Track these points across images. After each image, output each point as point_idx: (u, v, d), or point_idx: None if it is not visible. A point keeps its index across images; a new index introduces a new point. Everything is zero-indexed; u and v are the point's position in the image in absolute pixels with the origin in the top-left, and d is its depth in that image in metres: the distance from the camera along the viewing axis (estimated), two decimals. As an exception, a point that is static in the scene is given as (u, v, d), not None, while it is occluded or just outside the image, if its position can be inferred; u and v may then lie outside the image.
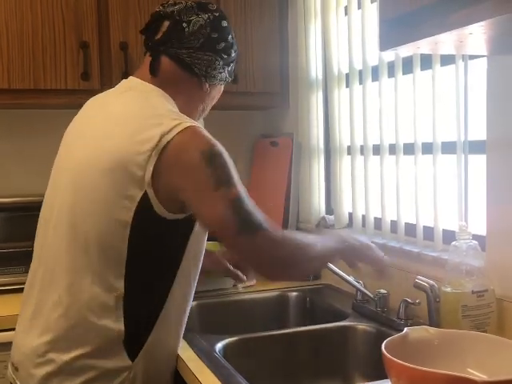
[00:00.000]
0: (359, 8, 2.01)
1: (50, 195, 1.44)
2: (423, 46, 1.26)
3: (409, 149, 1.79)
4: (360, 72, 2.01)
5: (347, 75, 2.10)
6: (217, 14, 1.45)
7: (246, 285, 2.08)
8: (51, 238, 1.37)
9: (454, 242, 1.46)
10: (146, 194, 1.27)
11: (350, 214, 2.12)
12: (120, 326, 1.31)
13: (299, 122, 2.38)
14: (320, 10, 2.24)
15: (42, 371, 1.31)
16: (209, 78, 1.46)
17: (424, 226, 1.75)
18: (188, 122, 1.32)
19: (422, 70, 1.73)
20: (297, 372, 1.63)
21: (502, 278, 1.44)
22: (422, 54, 1.71)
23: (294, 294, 2.02)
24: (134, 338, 1.34)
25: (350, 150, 2.08)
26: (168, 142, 1.27)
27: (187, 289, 1.43)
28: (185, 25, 1.40)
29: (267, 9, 2.41)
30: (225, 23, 1.46)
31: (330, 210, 2.31)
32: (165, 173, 1.27)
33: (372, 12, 1.93)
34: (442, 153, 1.68)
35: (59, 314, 1.32)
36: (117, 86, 1.48)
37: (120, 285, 1.31)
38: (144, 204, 1.28)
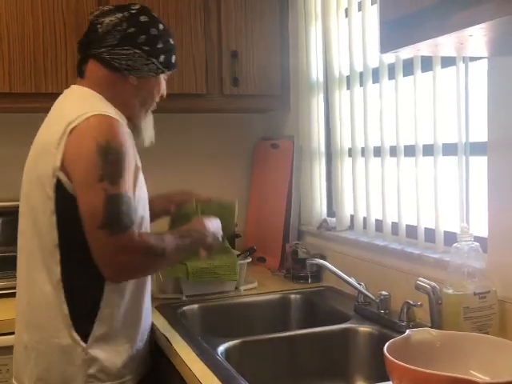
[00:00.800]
0: (359, 10, 2.01)
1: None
2: (424, 48, 1.26)
3: (410, 151, 1.79)
4: (361, 74, 2.01)
5: (348, 77, 2.10)
6: (134, 12, 1.55)
7: (248, 287, 2.08)
8: (19, 245, 1.55)
9: (455, 244, 1.46)
10: (59, 180, 1.39)
11: (352, 217, 2.12)
12: (65, 311, 1.43)
13: (300, 125, 2.38)
14: (320, 12, 2.25)
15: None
16: (132, 71, 1.54)
17: (425, 228, 1.75)
18: (99, 112, 1.43)
19: (422, 71, 1.73)
20: (299, 375, 1.63)
21: (503, 280, 1.44)
22: (422, 56, 1.71)
23: (296, 296, 2.02)
24: (82, 323, 1.44)
25: (350, 152, 2.08)
26: (72, 129, 1.39)
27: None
28: (99, 26, 1.52)
29: (267, 11, 2.42)
30: (144, 18, 1.55)
31: (331, 212, 2.31)
32: (67, 155, 1.39)
33: (372, 14, 1.93)
34: (443, 154, 1.68)
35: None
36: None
37: (57, 270, 1.42)
38: (60, 189, 1.39)
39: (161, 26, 1.58)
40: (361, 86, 2.02)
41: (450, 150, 1.66)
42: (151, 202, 1.62)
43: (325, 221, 2.26)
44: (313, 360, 1.64)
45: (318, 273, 2.19)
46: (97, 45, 1.53)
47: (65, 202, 1.40)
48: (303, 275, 2.19)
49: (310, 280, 2.17)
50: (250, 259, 2.16)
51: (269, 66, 2.43)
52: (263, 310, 2.00)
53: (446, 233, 1.69)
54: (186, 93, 2.33)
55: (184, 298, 1.97)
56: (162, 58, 1.57)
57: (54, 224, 1.42)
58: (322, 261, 1.84)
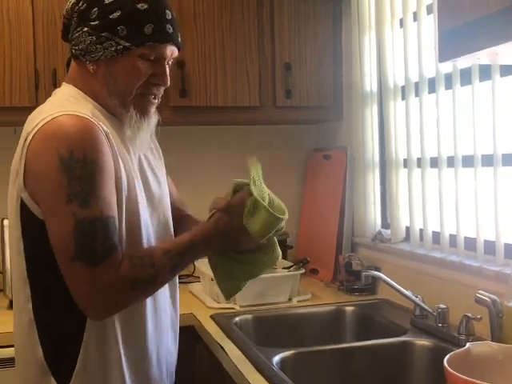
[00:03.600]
0: (415, 20, 1.99)
1: None
2: (483, 57, 1.24)
3: (468, 161, 1.76)
4: (416, 84, 2.00)
5: (403, 88, 2.08)
6: None
7: (301, 299, 2.08)
8: None
9: (517, 256, 1.42)
10: (22, 201, 1.18)
11: (407, 228, 2.10)
12: (38, 352, 1.20)
13: (353, 135, 2.37)
14: (374, 22, 2.24)
15: None
16: (86, 55, 1.25)
17: (485, 240, 1.71)
18: (63, 113, 1.17)
19: (480, 80, 1.70)
20: (354, 387, 1.61)
21: None
22: (480, 65, 1.68)
23: (351, 308, 2.00)
24: (59, 364, 1.21)
25: (406, 163, 2.06)
26: (30, 141, 1.16)
27: None
28: (64, 12, 1.29)
29: (321, 22, 2.43)
30: None
31: (385, 223, 2.29)
32: (28, 173, 1.16)
33: (428, 24, 1.91)
34: (503, 165, 1.64)
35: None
36: None
37: (29, 305, 1.20)
38: (24, 211, 1.18)
39: None
40: (416, 96, 2.00)
41: (510, 160, 1.63)
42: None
43: (379, 232, 2.24)
44: (368, 373, 1.62)
45: (373, 285, 2.16)
46: (65, 36, 1.31)
47: (31, 226, 1.18)
48: (357, 287, 2.17)
49: (364, 292, 2.15)
50: (303, 270, 2.16)
51: (322, 77, 2.44)
52: (317, 321, 1.99)
53: (506, 245, 1.64)
54: (239, 106, 2.36)
55: (238, 308, 1.98)
56: (122, 30, 1.21)
57: (21, 251, 1.20)
58: (378, 273, 1.82)
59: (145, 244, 1.28)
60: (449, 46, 1.20)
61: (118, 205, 1.19)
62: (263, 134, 2.74)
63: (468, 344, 1.18)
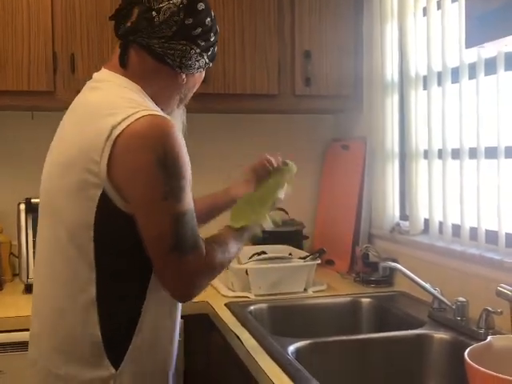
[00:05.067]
0: (439, 8, 1.95)
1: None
2: (511, 43, 1.21)
3: (491, 152, 1.72)
4: (439, 74, 1.96)
5: (425, 77, 2.05)
6: None
7: (316, 289, 2.06)
8: (38, 245, 1.36)
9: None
10: (104, 192, 1.20)
11: (426, 220, 2.07)
12: (96, 331, 1.24)
13: (373, 126, 2.34)
14: (397, 11, 2.20)
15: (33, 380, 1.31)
16: (185, 68, 1.33)
17: (506, 233, 1.67)
18: (146, 111, 1.21)
19: (505, 70, 1.66)
20: (370, 379, 1.59)
21: None
22: (506, 53, 1.64)
23: (367, 300, 1.98)
24: (115, 344, 1.25)
25: (426, 154, 2.03)
26: (118, 136, 1.18)
27: None
28: (154, 13, 1.26)
29: (342, 10, 2.40)
30: (201, 6, 1.30)
31: (404, 215, 2.26)
32: (117, 168, 1.19)
33: (453, 12, 1.87)
34: (528, 156, 1.61)
35: (44, 324, 1.30)
36: (89, 81, 1.37)
37: (91, 287, 1.24)
38: (103, 201, 1.21)
39: (212, 14, 1.35)
40: (439, 85, 1.97)
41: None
42: (214, 197, 1.62)
43: (397, 224, 2.21)
44: (384, 365, 1.60)
45: (390, 277, 2.14)
46: (148, 34, 1.28)
47: (107, 215, 1.22)
48: (374, 279, 2.15)
49: (381, 284, 2.12)
50: (319, 261, 2.14)
51: (342, 65, 2.40)
52: (332, 312, 1.97)
53: (528, 238, 1.61)
54: (258, 93, 2.34)
55: (253, 297, 1.97)
56: (211, 51, 1.37)
57: (88, 238, 1.23)
58: (396, 264, 1.80)
59: None
60: (476, 32, 1.17)
61: None
62: (281, 123, 2.72)
63: (489, 337, 1.16)
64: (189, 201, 1.23)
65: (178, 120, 1.42)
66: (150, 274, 1.26)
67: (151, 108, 1.25)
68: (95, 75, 1.35)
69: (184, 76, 1.35)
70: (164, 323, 1.32)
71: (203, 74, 1.42)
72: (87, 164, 1.20)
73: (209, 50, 1.36)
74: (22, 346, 1.81)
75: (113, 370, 1.24)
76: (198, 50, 1.32)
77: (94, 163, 1.19)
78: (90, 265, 1.24)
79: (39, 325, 1.33)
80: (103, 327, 1.24)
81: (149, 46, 1.29)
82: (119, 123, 1.18)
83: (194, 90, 1.43)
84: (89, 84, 1.35)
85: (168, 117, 1.26)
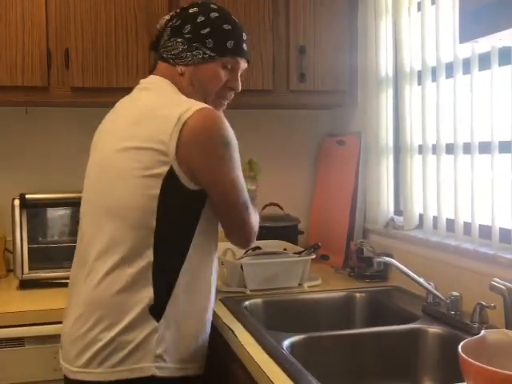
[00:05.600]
0: (433, 4, 1.95)
1: (85, 191, 1.58)
2: (505, 38, 1.22)
3: (485, 147, 1.73)
4: (433, 69, 1.96)
5: (419, 72, 2.05)
6: (185, 6, 1.58)
7: (311, 284, 2.07)
8: (88, 225, 1.52)
9: (533, 244, 1.40)
10: (171, 169, 1.40)
11: (421, 215, 2.07)
12: (150, 293, 1.42)
13: (368, 121, 2.34)
14: (391, 6, 2.20)
15: (85, 351, 1.42)
16: (177, 60, 1.54)
17: (500, 228, 1.68)
18: (203, 105, 1.45)
19: (500, 65, 1.66)
20: (364, 373, 1.60)
21: None
22: (499, 49, 1.64)
23: (361, 294, 1.98)
24: (159, 303, 1.44)
25: (421, 149, 2.03)
26: (187, 120, 1.40)
27: (209, 246, 1.54)
28: (158, 27, 1.60)
29: (336, 5, 2.40)
30: (193, 9, 1.56)
31: (398, 210, 2.26)
32: (185, 148, 1.40)
33: (447, 7, 1.87)
34: (521, 151, 1.61)
35: (95, 291, 1.44)
36: (138, 86, 1.60)
37: (150, 253, 1.42)
38: (170, 177, 1.41)
39: (213, 14, 1.55)
40: (433, 81, 1.97)
41: (528, 146, 1.60)
42: None
43: (392, 219, 2.22)
44: (379, 359, 1.60)
45: (384, 272, 2.15)
46: (158, 45, 1.60)
47: (172, 190, 1.42)
48: (368, 274, 2.15)
49: (375, 279, 2.13)
50: (314, 256, 2.14)
51: (337, 61, 2.41)
52: (327, 307, 1.97)
53: (522, 233, 1.62)
54: (252, 89, 2.33)
55: (248, 292, 1.97)
56: (209, 42, 1.53)
57: (151, 208, 1.41)
58: (390, 259, 1.80)
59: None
60: (470, 27, 1.17)
61: None
62: (276, 119, 2.72)
63: (483, 331, 1.16)
64: (241, 173, 1.51)
65: None
66: (192, 236, 1.47)
67: (202, 103, 1.47)
68: (145, 80, 1.60)
69: (181, 68, 1.54)
70: (203, 277, 1.53)
71: (220, 72, 1.55)
72: (156, 145, 1.40)
73: (204, 42, 1.52)
74: (17, 341, 1.82)
75: (155, 323, 1.42)
76: (184, 42, 1.53)
77: (162, 144, 1.39)
78: (150, 230, 1.42)
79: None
80: (156, 289, 1.43)
81: (160, 54, 1.58)
82: (186, 110, 1.41)
83: (215, 87, 1.57)
84: (140, 86, 1.59)
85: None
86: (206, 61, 1.54)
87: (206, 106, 1.46)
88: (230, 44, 1.55)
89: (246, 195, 1.52)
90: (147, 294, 1.42)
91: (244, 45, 1.60)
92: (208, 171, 1.44)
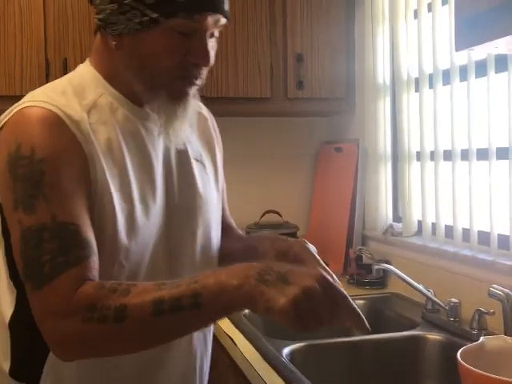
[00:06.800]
0: (429, 11, 1.97)
1: None
2: (501, 45, 1.22)
3: (482, 154, 1.73)
4: (430, 76, 1.97)
5: (416, 79, 2.06)
6: None
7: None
8: None
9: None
10: None
11: (419, 222, 2.07)
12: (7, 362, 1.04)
13: (366, 128, 2.35)
14: (388, 14, 2.21)
15: None
16: (107, 27, 1.01)
17: (499, 234, 1.68)
18: (31, 104, 0.99)
19: (496, 72, 1.67)
20: (364, 380, 1.60)
21: None
22: (496, 56, 1.65)
23: (361, 301, 1.98)
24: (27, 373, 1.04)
25: (419, 156, 2.04)
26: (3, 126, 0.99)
27: None
28: None
29: (333, 13, 2.41)
30: None
31: (397, 217, 2.27)
32: None
33: (443, 15, 1.88)
34: (519, 158, 1.61)
35: None
36: None
37: (9, 312, 1.04)
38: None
39: None
40: (430, 88, 1.98)
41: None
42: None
43: (391, 226, 2.22)
44: (378, 366, 1.60)
45: (383, 279, 2.14)
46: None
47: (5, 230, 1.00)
48: (367, 281, 2.15)
49: (374, 286, 2.13)
50: (314, 263, 2.13)
51: (334, 68, 2.41)
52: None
53: (520, 239, 1.62)
54: (250, 97, 2.34)
55: (247, 300, 1.97)
56: (153, 2, 0.96)
57: (2, 253, 1.03)
58: (389, 266, 1.80)
59: (141, 274, 1.02)
60: (466, 35, 1.18)
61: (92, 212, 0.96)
62: (274, 126, 2.72)
63: (482, 338, 1.17)
64: (54, 211, 0.90)
65: (187, 110, 1.08)
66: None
67: (47, 99, 1.00)
68: None
69: (114, 40, 1.02)
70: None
71: (172, 40, 0.99)
72: None
73: (141, 1, 0.97)
74: None
75: None
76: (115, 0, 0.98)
77: None
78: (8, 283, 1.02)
79: None
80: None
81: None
82: (7, 114, 1.01)
83: (167, 62, 1.01)
84: None
85: (57, 107, 0.98)
86: (147, 26, 0.98)
87: (34, 104, 0.98)
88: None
89: (52, 260, 0.87)
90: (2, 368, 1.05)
91: None
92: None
